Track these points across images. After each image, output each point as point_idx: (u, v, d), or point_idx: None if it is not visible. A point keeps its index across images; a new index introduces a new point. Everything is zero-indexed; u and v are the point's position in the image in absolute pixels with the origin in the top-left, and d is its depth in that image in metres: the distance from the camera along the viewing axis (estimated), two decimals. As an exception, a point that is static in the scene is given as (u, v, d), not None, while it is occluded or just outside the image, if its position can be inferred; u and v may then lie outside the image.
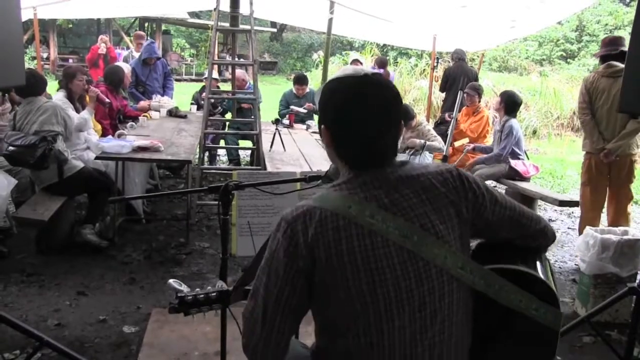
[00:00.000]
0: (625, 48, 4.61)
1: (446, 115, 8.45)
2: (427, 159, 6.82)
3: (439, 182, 1.51)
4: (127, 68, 7.41)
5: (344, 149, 1.53)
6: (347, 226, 1.40)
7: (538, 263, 1.65)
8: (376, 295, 1.40)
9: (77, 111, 5.27)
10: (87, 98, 5.46)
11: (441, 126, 8.21)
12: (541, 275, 1.57)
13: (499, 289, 1.50)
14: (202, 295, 1.87)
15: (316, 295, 1.45)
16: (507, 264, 1.57)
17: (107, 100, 5.80)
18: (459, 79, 8.65)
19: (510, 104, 6.24)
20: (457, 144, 7.07)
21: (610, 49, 5.04)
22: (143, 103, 7.56)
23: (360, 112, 1.48)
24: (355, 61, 9.39)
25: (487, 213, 1.56)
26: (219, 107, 8.20)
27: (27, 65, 8.56)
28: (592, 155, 5.13)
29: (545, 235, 1.68)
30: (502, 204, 1.59)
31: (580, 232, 4.99)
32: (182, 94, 10.95)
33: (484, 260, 1.56)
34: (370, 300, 1.40)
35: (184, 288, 1.92)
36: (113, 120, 6.39)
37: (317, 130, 7.01)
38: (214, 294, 1.88)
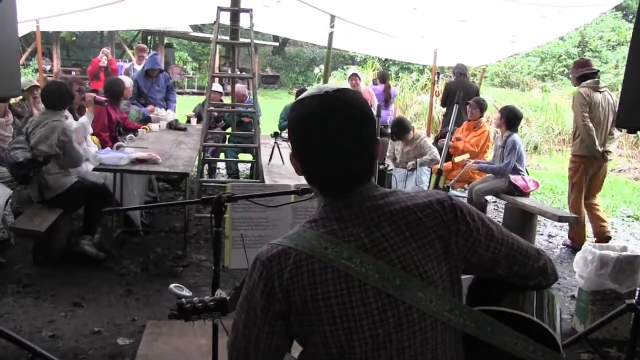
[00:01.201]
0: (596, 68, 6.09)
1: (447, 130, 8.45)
2: (424, 174, 6.81)
3: (425, 215, 1.41)
4: (128, 81, 7.44)
5: (310, 175, 1.46)
6: (322, 270, 1.33)
7: (540, 301, 1.55)
8: (352, 342, 1.33)
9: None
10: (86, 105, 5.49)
11: (441, 140, 8.20)
12: (537, 319, 1.47)
13: (491, 332, 1.40)
14: (200, 304, 1.86)
15: (295, 335, 1.42)
16: (504, 301, 1.50)
17: (103, 99, 5.78)
18: (457, 94, 8.68)
19: (511, 119, 6.24)
20: (457, 159, 7.06)
21: (587, 69, 5.98)
22: (150, 107, 7.61)
23: (322, 134, 1.38)
24: (354, 76, 9.37)
25: (481, 248, 1.45)
26: (222, 121, 8.21)
27: (30, 78, 8.64)
28: (585, 158, 5.86)
29: (545, 274, 1.54)
30: (498, 238, 1.46)
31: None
32: (184, 107, 10.97)
33: (480, 297, 1.49)
34: (347, 345, 1.34)
35: (186, 292, 1.91)
36: (113, 133, 6.40)
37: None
38: (212, 302, 1.88)
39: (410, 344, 1.35)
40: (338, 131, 1.37)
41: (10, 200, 4.97)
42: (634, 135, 13.18)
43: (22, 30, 8.62)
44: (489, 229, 1.46)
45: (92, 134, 5.91)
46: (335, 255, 1.33)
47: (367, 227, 1.38)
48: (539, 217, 6.20)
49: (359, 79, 9.56)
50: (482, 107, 7.31)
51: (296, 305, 1.34)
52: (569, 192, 6.20)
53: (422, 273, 1.36)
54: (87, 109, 5.41)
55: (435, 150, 6.99)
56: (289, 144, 1.49)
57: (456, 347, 1.43)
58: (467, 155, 6.95)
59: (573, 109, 5.97)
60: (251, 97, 7.49)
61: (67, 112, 5.25)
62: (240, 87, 8.07)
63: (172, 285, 1.94)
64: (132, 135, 6.46)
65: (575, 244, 6.04)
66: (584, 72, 5.97)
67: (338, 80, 18.73)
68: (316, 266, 1.34)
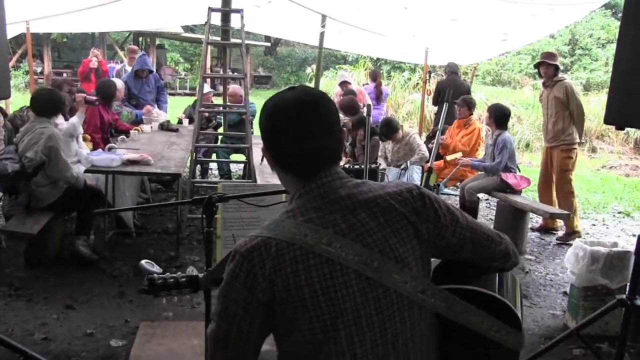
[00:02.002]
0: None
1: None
2: (416, 172, 6.83)
3: (397, 202, 1.48)
4: (119, 83, 7.42)
5: (283, 163, 1.53)
6: (304, 256, 1.38)
7: (503, 282, 1.64)
8: (337, 325, 1.38)
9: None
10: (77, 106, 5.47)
11: (433, 140, 8.22)
12: (502, 297, 1.55)
13: (460, 311, 1.47)
14: (171, 280, 1.86)
15: (278, 327, 1.44)
16: (470, 283, 1.56)
17: (94, 98, 5.75)
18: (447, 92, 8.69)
19: (499, 117, 6.26)
20: (449, 157, 7.08)
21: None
22: (148, 107, 7.59)
23: (288, 121, 1.47)
24: (344, 84, 9.36)
25: (448, 233, 1.52)
26: (214, 121, 8.19)
27: (21, 80, 8.58)
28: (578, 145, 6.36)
29: (507, 257, 1.64)
30: (463, 224, 1.55)
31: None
32: (176, 108, 10.96)
33: (446, 279, 1.55)
34: (332, 330, 1.38)
35: (156, 269, 1.90)
36: (105, 134, 6.39)
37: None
38: (184, 279, 1.87)
39: (391, 325, 1.42)
40: (297, 114, 1.47)
41: (1, 203, 4.96)
42: (625, 132, 13.30)
43: (12, 32, 8.60)
44: (454, 215, 1.55)
45: (86, 134, 5.91)
46: (315, 241, 1.39)
47: (343, 214, 1.44)
48: (531, 215, 6.23)
49: (349, 84, 9.56)
50: (469, 105, 7.35)
51: (280, 294, 1.38)
52: (566, 185, 6.29)
53: (397, 256, 1.43)
54: (78, 109, 5.38)
55: (424, 147, 7.02)
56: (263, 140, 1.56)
57: (430, 327, 1.50)
58: (459, 154, 6.97)
59: (571, 100, 6.13)
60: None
61: (59, 119, 5.23)
62: (236, 87, 8.06)
63: (142, 261, 1.93)
64: (123, 136, 6.45)
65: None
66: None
67: (330, 80, 18.72)
68: (298, 253, 1.38)
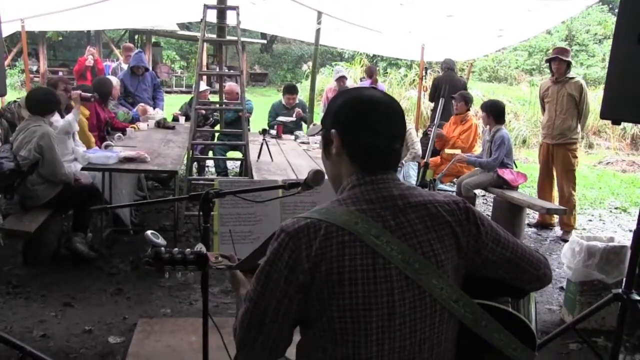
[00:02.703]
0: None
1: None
2: (412, 168, 6.84)
3: (445, 210, 1.50)
4: (115, 81, 7.41)
5: (351, 150, 1.53)
6: (352, 243, 1.39)
7: (527, 302, 1.64)
8: (370, 317, 1.38)
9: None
10: (72, 103, 5.46)
11: (429, 136, 8.23)
12: (526, 320, 1.56)
13: (485, 326, 1.48)
14: (179, 256, 1.82)
15: (308, 311, 1.44)
16: (496, 299, 1.56)
17: (89, 95, 5.74)
18: (444, 87, 8.70)
19: (495, 113, 6.29)
20: (448, 151, 7.08)
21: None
22: (143, 106, 7.56)
23: (374, 116, 1.51)
24: (341, 78, 9.33)
25: (488, 252, 1.54)
26: (211, 119, 8.18)
27: (17, 79, 8.56)
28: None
29: (541, 282, 1.64)
30: (504, 244, 1.56)
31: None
32: (172, 106, 10.94)
33: (472, 291, 1.54)
34: (363, 321, 1.39)
35: (161, 241, 1.88)
36: (101, 132, 6.39)
37: (305, 141, 7.08)
38: (192, 256, 1.84)
39: (421, 327, 1.43)
40: (386, 113, 1.53)
41: (-2, 202, 4.96)
42: (621, 128, 13.33)
43: (7, 30, 8.56)
44: (497, 234, 1.56)
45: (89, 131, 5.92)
46: (365, 230, 1.40)
47: (393, 212, 1.46)
48: (527, 210, 6.25)
49: (346, 79, 9.55)
50: (467, 100, 7.35)
51: (320, 277, 1.38)
52: (570, 184, 6.29)
53: (438, 262, 1.44)
54: (74, 106, 5.38)
55: (418, 145, 7.01)
56: (329, 124, 1.59)
57: (453, 335, 1.51)
58: (458, 151, 6.96)
59: (584, 98, 6.20)
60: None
61: (55, 117, 5.21)
62: (232, 85, 8.05)
63: (148, 232, 1.91)
64: (120, 134, 6.44)
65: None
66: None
67: (326, 77, 18.71)
68: (346, 238, 1.39)
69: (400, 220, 1.45)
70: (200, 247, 1.94)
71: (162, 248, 1.85)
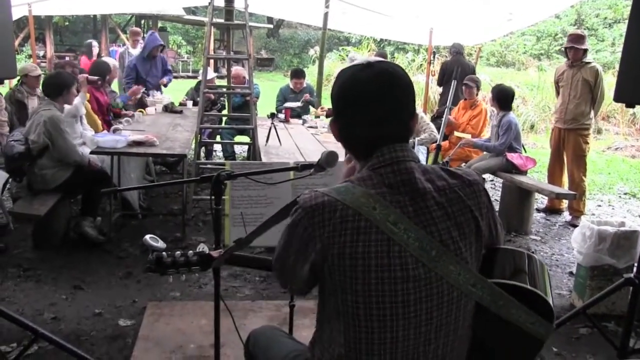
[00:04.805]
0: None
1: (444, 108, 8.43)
2: (421, 152, 6.79)
3: (466, 194, 1.48)
4: (112, 62, 7.34)
5: (347, 137, 1.52)
6: (368, 229, 1.37)
7: (533, 270, 1.62)
8: (384, 304, 1.37)
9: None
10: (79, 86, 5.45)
11: (438, 120, 8.17)
12: (542, 293, 1.54)
13: (502, 305, 1.47)
14: (182, 258, 1.81)
15: (323, 286, 1.45)
16: (502, 272, 1.56)
17: (96, 78, 5.76)
18: (454, 70, 8.63)
19: (502, 99, 6.24)
20: (457, 134, 7.02)
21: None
22: (134, 88, 7.40)
23: (359, 96, 1.45)
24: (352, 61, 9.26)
25: (492, 231, 1.58)
26: (218, 104, 8.15)
27: (23, 64, 8.56)
28: None
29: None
30: (497, 219, 1.61)
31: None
32: (179, 91, 10.92)
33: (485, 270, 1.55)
34: (376, 308, 1.38)
35: (160, 244, 1.86)
36: (105, 116, 6.35)
37: (313, 125, 7.07)
38: (195, 257, 1.83)
39: (438, 314, 1.41)
40: (374, 90, 1.45)
41: (8, 186, 4.96)
42: (631, 113, 13.23)
43: (15, 14, 8.54)
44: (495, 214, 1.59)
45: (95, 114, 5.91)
46: (382, 217, 1.37)
47: (412, 197, 1.42)
48: (536, 195, 6.22)
49: (357, 62, 9.49)
50: (477, 84, 7.28)
51: (332, 259, 1.38)
52: (581, 169, 6.28)
53: (456, 249, 1.42)
54: (80, 89, 5.37)
55: (433, 127, 6.91)
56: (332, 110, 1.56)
57: (469, 320, 1.50)
58: (468, 136, 6.89)
59: (599, 83, 6.09)
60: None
61: (77, 99, 5.20)
62: (239, 69, 8.01)
63: (146, 236, 1.89)
64: (128, 118, 6.43)
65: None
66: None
67: (333, 62, 18.65)
68: (362, 224, 1.37)
69: (419, 206, 1.41)
70: (202, 247, 1.93)
71: (164, 252, 1.83)
